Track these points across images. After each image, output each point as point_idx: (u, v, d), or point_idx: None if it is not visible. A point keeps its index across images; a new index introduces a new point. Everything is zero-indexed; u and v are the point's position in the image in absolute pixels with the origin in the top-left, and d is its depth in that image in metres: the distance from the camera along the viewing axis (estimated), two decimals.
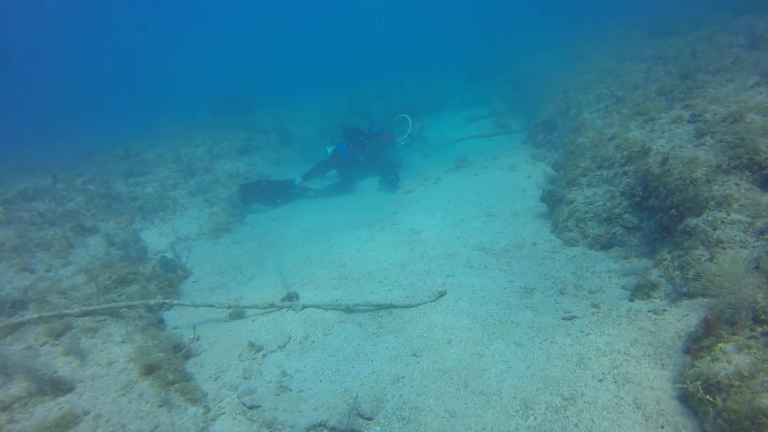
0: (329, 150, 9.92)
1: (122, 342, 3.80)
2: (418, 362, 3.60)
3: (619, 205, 4.97)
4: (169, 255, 6.45)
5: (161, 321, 4.67)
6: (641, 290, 3.94)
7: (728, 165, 4.13)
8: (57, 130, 18.40)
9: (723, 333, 2.58)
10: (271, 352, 4.07)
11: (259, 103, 19.77)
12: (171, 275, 5.44)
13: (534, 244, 5.33)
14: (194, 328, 4.33)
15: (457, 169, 9.01)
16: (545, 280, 4.56)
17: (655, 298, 3.84)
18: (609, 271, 4.53)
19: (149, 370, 3.35)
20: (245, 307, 4.57)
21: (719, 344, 2.51)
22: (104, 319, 4.07)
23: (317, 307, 4.55)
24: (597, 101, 8.62)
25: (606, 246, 4.89)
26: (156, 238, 7.68)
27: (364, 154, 9.58)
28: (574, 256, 4.90)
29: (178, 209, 8.65)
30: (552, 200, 5.88)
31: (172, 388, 3.27)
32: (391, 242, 6.16)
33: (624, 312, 3.74)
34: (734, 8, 10.95)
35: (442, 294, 4.48)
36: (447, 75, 21.52)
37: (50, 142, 15.52)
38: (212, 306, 4.47)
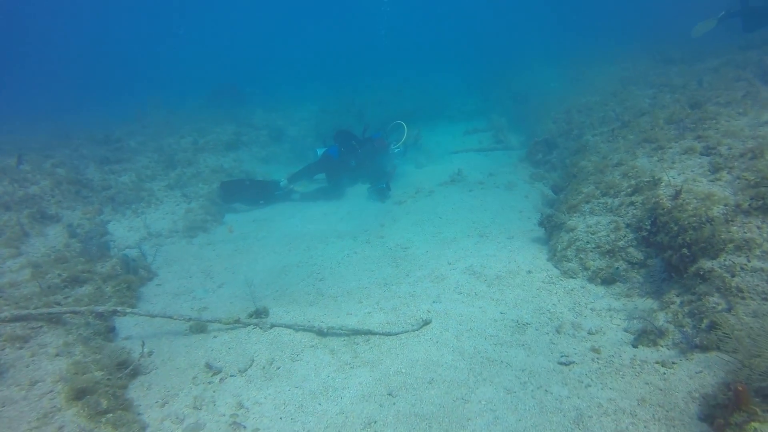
0: (319, 152, 9.48)
1: (56, 355, 3.30)
2: (394, 403, 3.16)
3: (624, 237, 4.59)
4: (134, 253, 5.95)
5: (112, 329, 4.17)
6: (646, 336, 3.55)
7: (749, 205, 3.78)
8: (45, 112, 17.72)
9: (757, 410, 2.18)
10: (231, 376, 3.60)
11: (254, 97, 19.27)
12: (131, 277, 4.93)
13: (529, 272, 4.93)
14: (143, 344, 3.83)
15: (451, 182, 8.61)
16: (540, 315, 4.15)
17: (662, 346, 3.45)
18: (610, 310, 4.14)
19: (80, 394, 2.87)
20: (208, 321, 4.10)
21: (753, 424, 2.12)
22: (40, 326, 3.57)
23: (287, 327, 4.09)
24: (601, 124, 8.29)
25: (607, 281, 4.51)
26: (125, 232, 7.16)
27: (356, 159, 9.15)
28: (572, 290, 4.50)
29: (153, 202, 8.13)
30: (550, 225, 5.50)
31: (103, 419, 2.78)
32: (375, 257, 5.72)
33: (628, 361, 3.34)
34: (738, 43, 10.78)
35: (427, 323, 4.05)
36: (446, 85, 21.23)
37: (34, 122, 14.82)
38: (170, 317, 3.99)
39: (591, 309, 4.18)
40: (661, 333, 3.51)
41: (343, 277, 5.23)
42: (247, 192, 8.45)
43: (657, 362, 3.22)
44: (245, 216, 8.19)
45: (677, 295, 3.79)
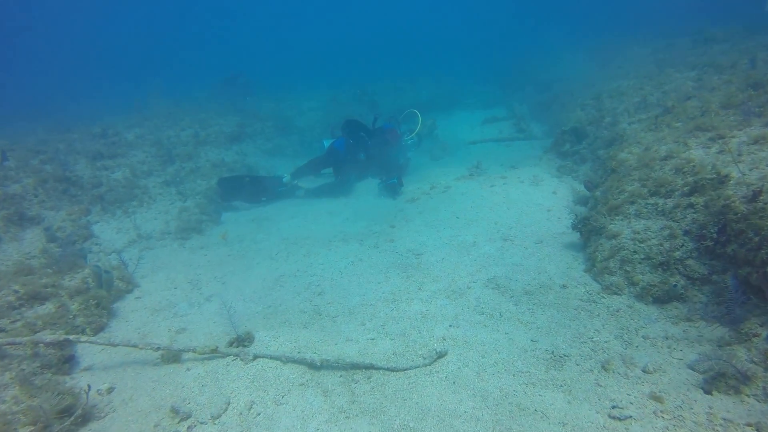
0: (326, 143, 8.77)
1: None
2: None
3: (682, 247, 3.78)
4: (114, 260, 5.33)
5: (69, 359, 3.54)
6: (724, 380, 2.78)
7: None
8: (47, 106, 17.36)
9: None
10: (200, 423, 2.94)
11: (264, 86, 18.66)
12: (102, 292, 4.29)
13: (564, 286, 4.16)
14: (89, 387, 3.19)
15: (469, 176, 7.82)
16: (581, 344, 3.39)
17: (747, 395, 2.67)
18: (667, 338, 3.36)
19: None
20: (180, 350, 3.44)
21: None
22: None
23: (273, 358, 3.41)
24: (638, 110, 7.40)
25: (661, 300, 3.72)
26: (113, 234, 6.57)
27: (365, 151, 8.42)
28: (617, 310, 3.73)
29: (146, 201, 7.53)
30: (587, 230, 4.70)
31: None
32: (383, 265, 5.01)
33: (704, 417, 2.57)
34: None
35: (441, 355, 3.33)
36: (464, 72, 20.30)
37: (33, 118, 14.41)
38: (135, 346, 3.34)
39: (643, 336, 3.40)
40: (745, 377, 2.73)
41: (345, 291, 4.53)
42: (247, 189, 7.79)
43: (748, 424, 2.44)
44: (244, 215, 7.54)
45: (761, 325, 3.00)
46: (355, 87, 16.71)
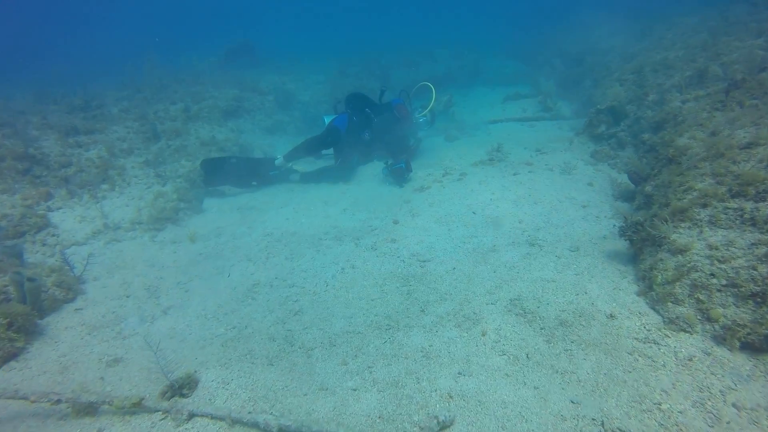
0: (327, 120, 7.74)
1: None
2: None
3: None
4: (54, 262, 4.47)
5: None
6: None
7: None
8: (45, 72, 16.53)
9: None
10: None
11: (269, 58, 17.59)
12: (20, 308, 3.40)
13: (611, 316, 3.16)
14: None
15: (489, 162, 6.75)
16: (642, 414, 2.41)
17: None
18: None
19: None
20: (90, 403, 2.55)
21: None
22: None
23: (216, 418, 2.50)
24: (691, 85, 6.22)
25: (755, 347, 2.71)
26: (74, 223, 5.71)
27: (370, 130, 7.38)
28: (690, 359, 2.73)
29: (119, 184, 6.65)
30: (640, 238, 3.66)
31: None
32: (380, 275, 4.05)
33: None
34: None
35: (445, 426, 2.38)
36: (484, 45, 18.89)
37: (24, 86, 13.57)
38: (25, 399, 2.46)
39: (734, 405, 2.41)
40: None
41: (328, 311, 3.59)
42: (233, 172, 6.84)
43: None
44: (230, 202, 6.61)
45: None
46: (367, 59, 15.57)
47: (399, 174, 6.46)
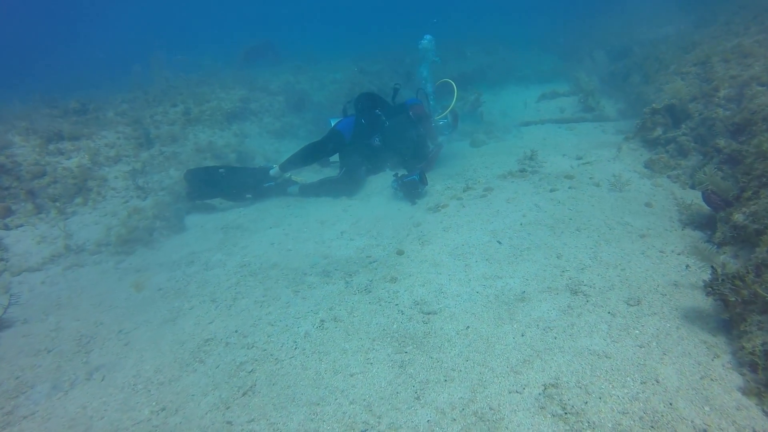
0: (332, 122, 6.79)
1: None
2: None
3: None
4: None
5: None
6: None
7: None
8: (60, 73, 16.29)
9: None
10: None
11: (292, 56, 16.84)
12: None
13: None
14: None
15: (520, 173, 5.64)
16: None
17: None
18: None
19: None
20: None
21: None
22: None
23: None
24: None
25: None
26: (31, 245, 4.96)
27: (381, 135, 6.38)
28: None
29: (93, 198, 5.90)
30: (741, 300, 2.52)
31: None
32: (367, 335, 3.04)
33: None
34: None
35: None
36: (517, 39, 17.59)
37: (32, 88, 13.19)
38: None
39: None
40: None
41: (288, 391, 2.61)
42: (222, 184, 5.97)
43: None
44: (217, 219, 5.75)
45: None
46: (390, 56, 14.57)
47: (412, 188, 5.44)
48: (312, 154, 6.20)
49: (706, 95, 5.93)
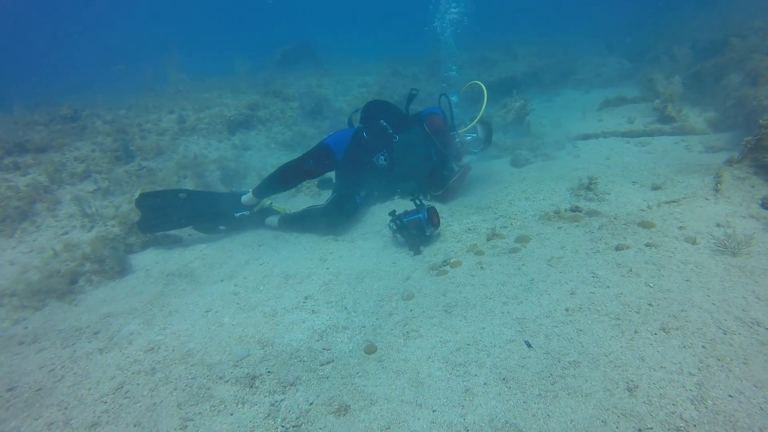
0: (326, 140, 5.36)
1: None
2: None
3: None
4: None
5: None
6: None
7: None
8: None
9: None
10: None
11: (331, 58, 15.77)
12: None
13: None
14: None
15: (572, 214, 3.99)
16: None
17: None
18: None
19: None
20: None
21: None
22: None
23: None
24: None
25: None
26: None
27: (388, 152, 4.92)
28: None
29: (21, 228, 4.81)
30: None
31: None
32: None
33: None
34: None
35: None
36: (575, 37, 15.61)
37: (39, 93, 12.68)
38: None
39: None
40: None
41: None
42: (183, 212, 4.71)
43: None
44: (169, 260, 4.49)
45: None
46: (429, 57, 13.09)
47: (416, 230, 3.92)
48: (288, 176, 4.84)
49: None
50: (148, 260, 4.54)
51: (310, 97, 9.24)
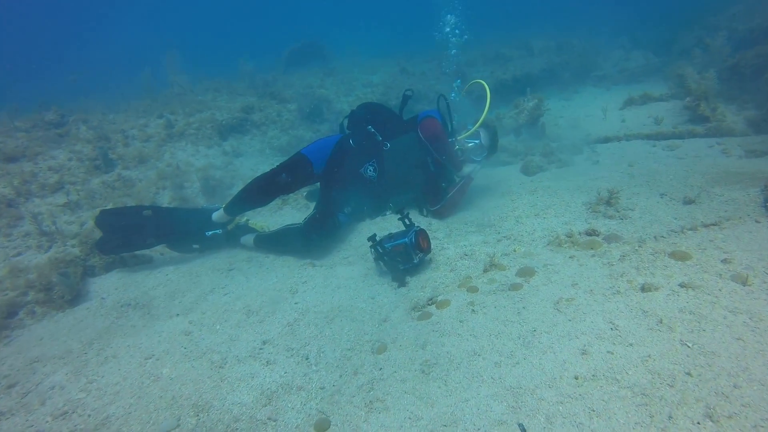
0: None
1: None
2: None
3: None
4: None
5: None
6: None
7: None
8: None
9: None
10: None
11: (340, 57, 15.26)
12: None
13: None
14: None
15: (587, 239, 3.34)
16: None
17: None
18: None
19: None
20: None
21: None
22: None
23: None
24: None
25: None
26: None
27: (377, 162, 4.34)
28: None
29: None
30: None
31: None
32: None
33: None
34: None
35: None
36: (597, 30, 14.73)
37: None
38: None
39: None
40: None
41: None
42: (147, 230, 4.22)
43: None
44: (130, 286, 4.00)
45: None
46: (440, 53, 12.43)
47: (401, 257, 3.33)
48: (259, 191, 4.29)
49: None
50: (108, 285, 4.06)
51: (308, 98, 8.71)
